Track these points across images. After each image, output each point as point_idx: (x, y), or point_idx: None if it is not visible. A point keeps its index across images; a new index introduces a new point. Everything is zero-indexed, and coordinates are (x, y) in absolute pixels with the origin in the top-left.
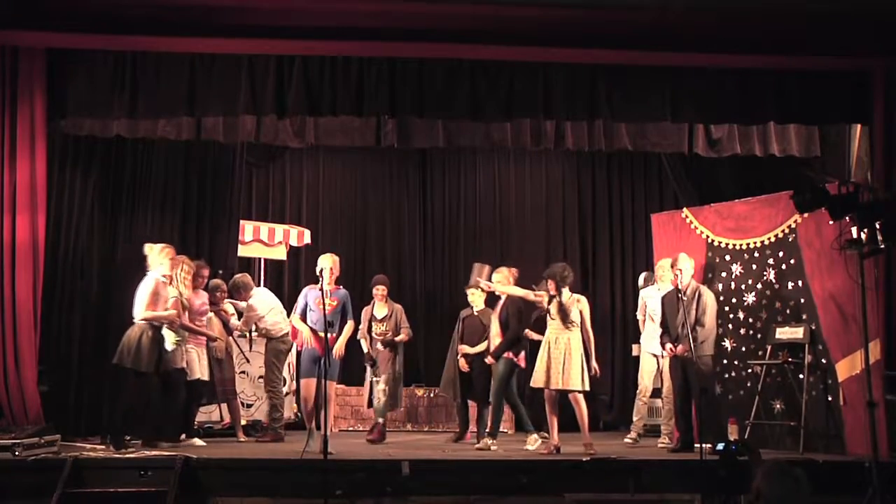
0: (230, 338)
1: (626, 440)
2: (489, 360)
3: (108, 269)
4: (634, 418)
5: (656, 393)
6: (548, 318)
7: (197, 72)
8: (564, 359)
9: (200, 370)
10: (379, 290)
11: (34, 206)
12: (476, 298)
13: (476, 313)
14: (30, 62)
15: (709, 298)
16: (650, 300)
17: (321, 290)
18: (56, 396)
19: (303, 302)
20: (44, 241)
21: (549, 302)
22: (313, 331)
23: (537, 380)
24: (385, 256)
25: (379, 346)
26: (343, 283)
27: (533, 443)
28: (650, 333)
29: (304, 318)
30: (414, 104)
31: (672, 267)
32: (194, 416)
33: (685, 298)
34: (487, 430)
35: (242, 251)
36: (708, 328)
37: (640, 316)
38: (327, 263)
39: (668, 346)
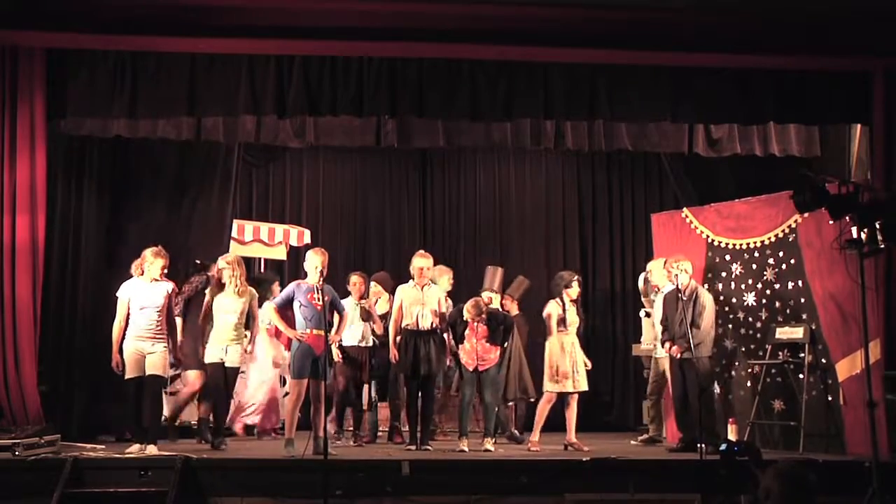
0: None
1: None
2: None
3: (108, 268)
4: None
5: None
6: (555, 324)
7: (197, 72)
8: (575, 361)
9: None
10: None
11: (34, 206)
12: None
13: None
14: (30, 62)
15: (707, 300)
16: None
17: (317, 286)
18: (56, 396)
19: (287, 296)
20: (44, 241)
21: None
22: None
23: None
24: (385, 256)
25: None
26: (343, 282)
27: None
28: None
29: (282, 312)
30: (414, 104)
31: (664, 265)
32: None
33: (683, 298)
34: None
35: (242, 251)
36: (704, 330)
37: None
38: (321, 259)
39: (667, 345)
